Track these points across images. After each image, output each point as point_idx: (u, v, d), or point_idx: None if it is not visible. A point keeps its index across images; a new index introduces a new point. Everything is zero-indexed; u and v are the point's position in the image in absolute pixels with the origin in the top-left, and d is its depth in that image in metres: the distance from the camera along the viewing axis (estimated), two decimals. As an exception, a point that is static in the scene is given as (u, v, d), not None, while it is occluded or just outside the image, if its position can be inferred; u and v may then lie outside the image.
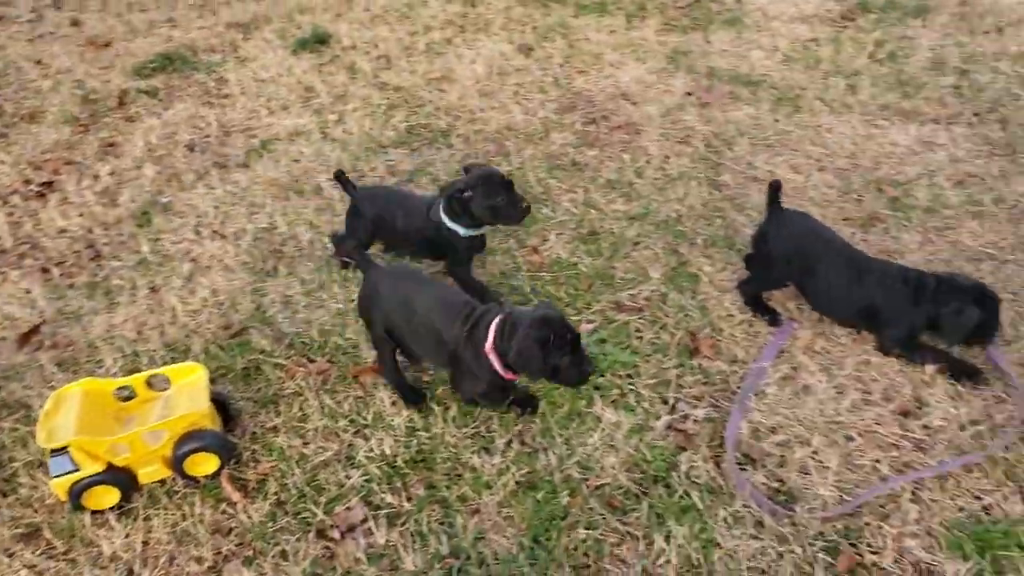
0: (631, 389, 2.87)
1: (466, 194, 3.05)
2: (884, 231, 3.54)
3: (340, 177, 3.31)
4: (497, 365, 2.53)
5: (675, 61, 5.12)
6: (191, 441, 2.52)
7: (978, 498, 2.42)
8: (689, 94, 4.73)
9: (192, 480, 2.57)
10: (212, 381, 2.87)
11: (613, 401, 2.83)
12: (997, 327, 2.79)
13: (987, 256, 3.32)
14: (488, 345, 2.52)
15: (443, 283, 3.00)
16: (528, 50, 5.24)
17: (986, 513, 2.38)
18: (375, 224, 3.27)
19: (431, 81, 4.88)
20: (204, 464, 2.57)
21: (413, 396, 2.84)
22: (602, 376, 2.92)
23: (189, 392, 2.61)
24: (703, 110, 4.56)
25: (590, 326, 3.12)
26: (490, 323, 2.54)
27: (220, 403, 2.72)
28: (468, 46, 5.28)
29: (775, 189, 3.12)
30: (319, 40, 5.34)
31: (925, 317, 2.80)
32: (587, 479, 2.56)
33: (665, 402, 2.83)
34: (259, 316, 3.23)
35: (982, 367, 2.83)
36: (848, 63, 4.94)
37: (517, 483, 2.54)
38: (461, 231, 3.14)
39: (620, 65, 5.09)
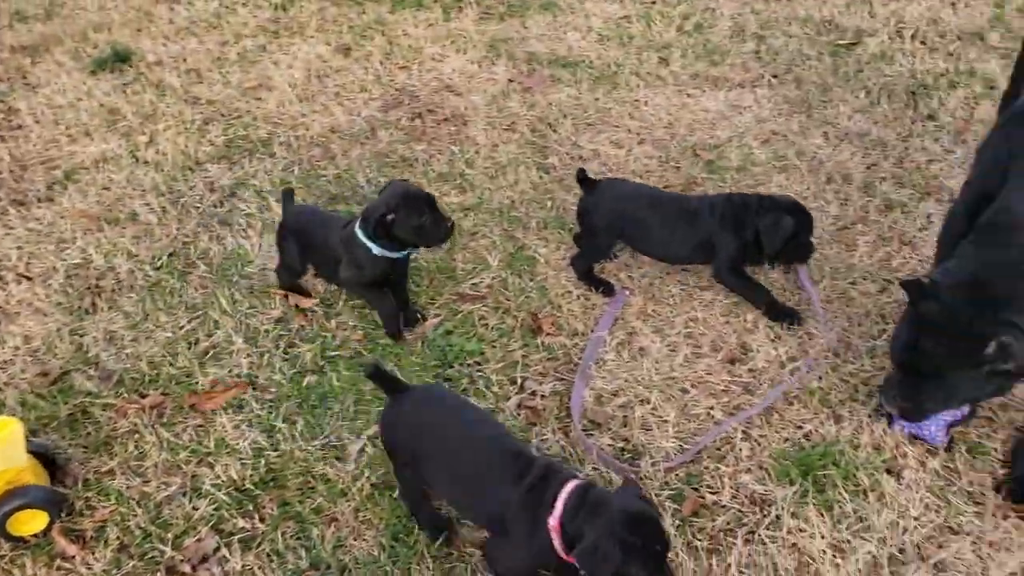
0: (480, 375, 2.90)
1: (389, 216, 2.85)
2: (703, 194, 3.74)
3: (287, 194, 3.20)
4: (558, 545, 2.00)
5: (495, 49, 5.18)
6: (12, 500, 2.33)
7: (799, 427, 2.62)
8: (511, 81, 4.81)
9: (19, 540, 2.39)
10: (33, 433, 2.68)
11: (463, 390, 2.85)
12: (810, 243, 3.06)
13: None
14: (554, 520, 1.99)
15: (494, 420, 2.45)
16: (346, 50, 5.16)
17: (807, 439, 2.58)
18: (301, 245, 3.11)
19: (247, 91, 4.72)
20: (31, 522, 2.39)
21: (433, 527, 2.38)
22: (451, 367, 2.94)
23: (2, 449, 2.40)
24: (526, 95, 4.64)
25: (436, 320, 3.13)
26: (559, 491, 2.01)
27: (43, 455, 2.53)
28: (283, 51, 5.14)
29: (580, 179, 3.26)
30: (120, 58, 5.02)
31: (752, 234, 3.03)
32: (443, 471, 2.56)
33: (514, 383, 2.88)
34: (81, 357, 3.02)
35: (797, 309, 3.06)
36: (659, 37, 5.16)
37: (373, 486, 2.51)
38: (375, 250, 2.90)
39: (442, 58, 5.10)
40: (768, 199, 3.09)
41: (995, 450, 2.52)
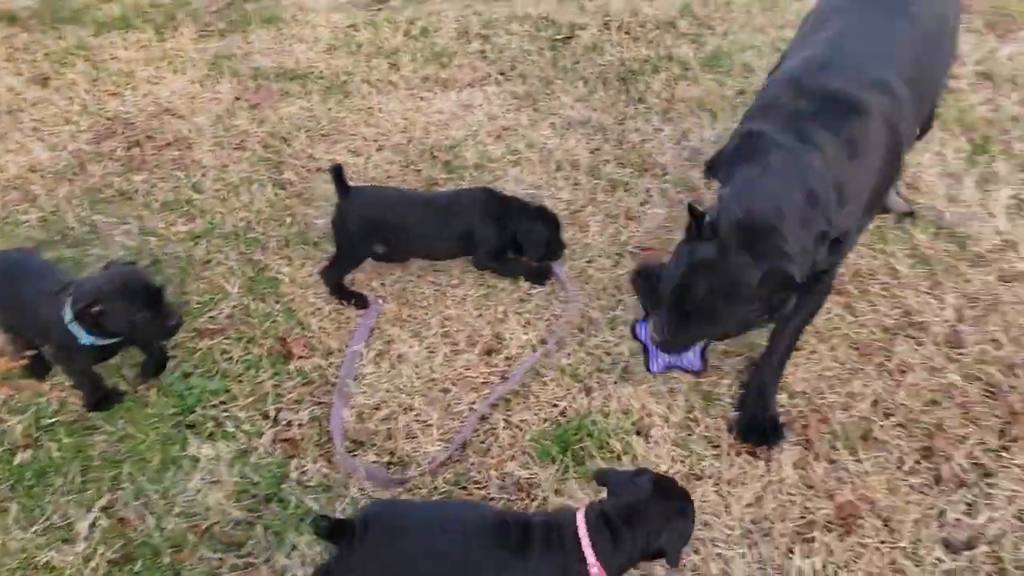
0: (227, 416, 2.70)
1: (95, 308, 2.45)
2: (455, 189, 3.75)
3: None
4: None
5: (218, 67, 4.88)
6: None
7: (555, 406, 2.69)
8: (238, 99, 4.55)
9: None
10: None
11: (210, 434, 2.63)
12: (561, 242, 3.21)
13: (528, 196, 3.68)
14: (591, 560, 1.80)
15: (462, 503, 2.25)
16: (44, 80, 4.62)
17: (563, 416, 2.65)
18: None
19: (-82, 135, 4.07)
20: None
21: None
22: (193, 413, 2.70)
23: None
24: (255, 112, 4.42)
25: (171, 364, 2.87)
26: (575, 529, 1.82)
27: None
28: (-37, 87, 4.50)
29: (337, 174, 3.12)
30: None
31: (510, 236, 3.15)
32: (194, 525, 2.34)
33: (267, 416, 2.71)
34: None
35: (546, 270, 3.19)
36: (387, 43, 5.13)
37: (110, 562, 2.24)
38: (83, 339, 2.52)
39: (158, 80, 4.72)
40: (523, 207, 3.22)
41: (724, 395, 2.74)
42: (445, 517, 1.96)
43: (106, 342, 2.58)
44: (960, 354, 2.77)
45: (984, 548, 2.22)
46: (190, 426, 2.64)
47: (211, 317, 3.07)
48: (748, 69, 4.50)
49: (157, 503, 2.40)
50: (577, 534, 1.81)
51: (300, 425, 2.67)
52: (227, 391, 2.76)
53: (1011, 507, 2.30)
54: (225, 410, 2.70)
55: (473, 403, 2.73)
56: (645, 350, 2.75)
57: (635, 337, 2.82)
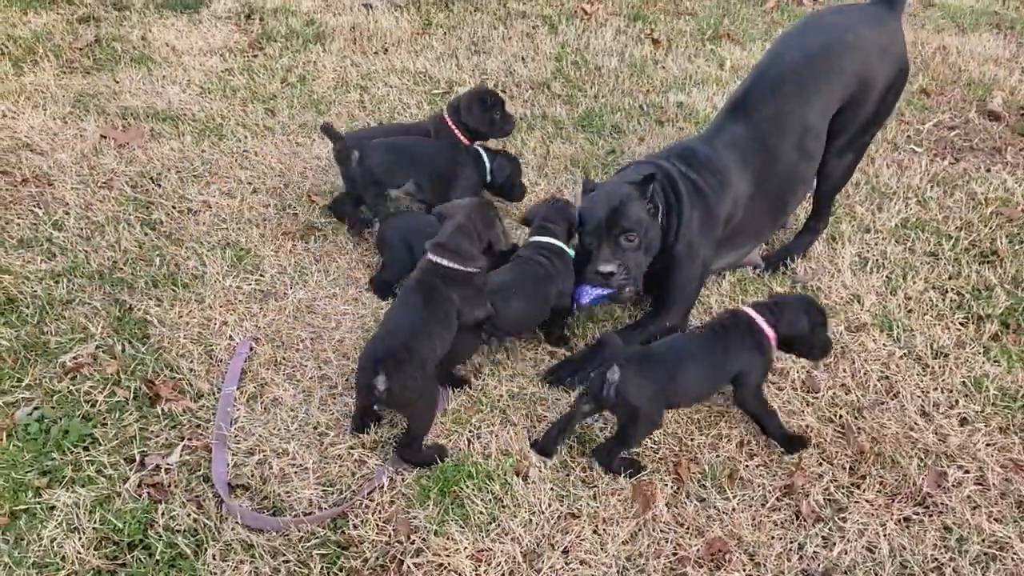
0: (89, 460, 2.56)
1: None
2: (323, 237, 3.76)
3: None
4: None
5: (83, 104, 4.72)
6: None
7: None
8: (105, 137, 4.40)
9: None
10: None
11: (71, 480, 2.49)
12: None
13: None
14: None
15: None
16: None
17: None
18: None
19: None
20: None
21: None
22: (52, 459, 2.55)
23: None
24: (123, 151, 4.28)
25: (28, 408, 2.71)
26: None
27: None
28: None
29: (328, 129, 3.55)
30: None
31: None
32: (48, 577, 2.20)
33: (132, 460, 2.59)
34: None
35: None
36: (263, 89, 5.12)
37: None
38: None
39: (16, 115, 4.50)
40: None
41: (599, 437, 2.87)
42: None
43: None
44: (815, 398, 3.02)
45: (839, 578, 2.41)
46: (45, 473, 2.49)
47: (73, 358, 2.92)
48: (618, 130, 4.82)
49: (5, 555, 2.24)
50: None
51: (168, 470, 2.57)
52: (90, 435, 2.63)
53: (862, 539, 2.50)
54: (88, 455, 2.57)
55: (352, 447, 2.71)
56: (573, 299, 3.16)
57: (577, 303, 3.15)
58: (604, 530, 2.50)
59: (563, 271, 3.10)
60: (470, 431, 2.79)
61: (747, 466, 2.73)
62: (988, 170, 4.51)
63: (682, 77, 5.53)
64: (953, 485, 2.67)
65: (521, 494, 2.58)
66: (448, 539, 2.42)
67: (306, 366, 3.04)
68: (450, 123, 3.90)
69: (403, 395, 2.52)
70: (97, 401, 2.78)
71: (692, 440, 2.81)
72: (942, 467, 2.73)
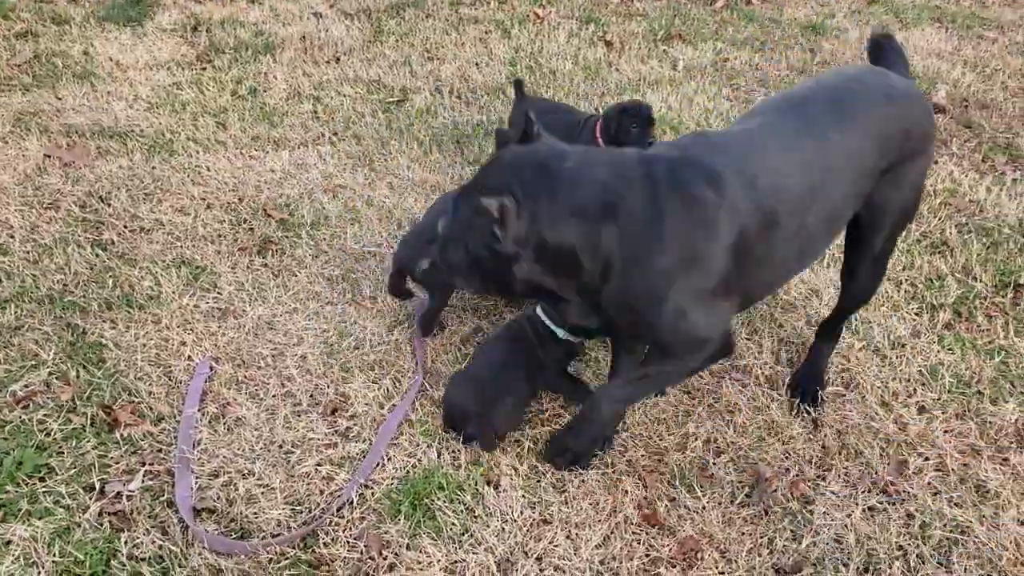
0: (46, 491, 2.48)
1: None
2: (281, 252, 3.70)
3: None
4: None
5: (23, 123, 4.59)
6: None
7: (409, 459, 2.70)
8: (49, 156, 4.28)
9: None
10: None
11: (27, 513, 2.41)
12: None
13: (371, 255, 3.72)
14: None
15: None
16: None
17: (414, 470, 2.66)
18: None
19: None
20: None
21: None
22: (5, 492, 2.47)
23: None
24: (69, 170, 4.17)
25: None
26: None
27: None
28: None
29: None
30: None
31: None
32: (8, 616, 2.13)
33: (91, 488, 2.52)
34: None
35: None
36: (213, 103, 5.04)
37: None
38: None
39: (-48, 135, 4.36)
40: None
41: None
42: None
43: None
44: (780, 394, 3.05)
45: (809, 571, 2.43)
46: (0, 506, 2.41)
47: (24, 386, 2.83)
48: (572, 134, 4.83)
49: (-39, 596, 2.16)
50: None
51: (129, 497, 2.50)
52: (45, 465, 2.55)
53: (829, 531, 2.54)
54: (44, 485, 2.49)
55: (319, 464, 2.67)
56: None
57: None
58: (577, 535, 2.49)
59: None
60: (439, 442, 2.77)
61: (715, 463, 2.75)
62: (935, 162, 4.62)
63: (636, 79, 5.57)
64: (914, 472, 2.72)
65: (493, 503, 2.56)
66: (421, 552, 2.40)
67: (268, 384, 2.98)
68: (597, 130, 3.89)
69: None
70: (52, 430, 2.69)
71: (661, 441, 2.83)
72: (903, 455, 2.78)
